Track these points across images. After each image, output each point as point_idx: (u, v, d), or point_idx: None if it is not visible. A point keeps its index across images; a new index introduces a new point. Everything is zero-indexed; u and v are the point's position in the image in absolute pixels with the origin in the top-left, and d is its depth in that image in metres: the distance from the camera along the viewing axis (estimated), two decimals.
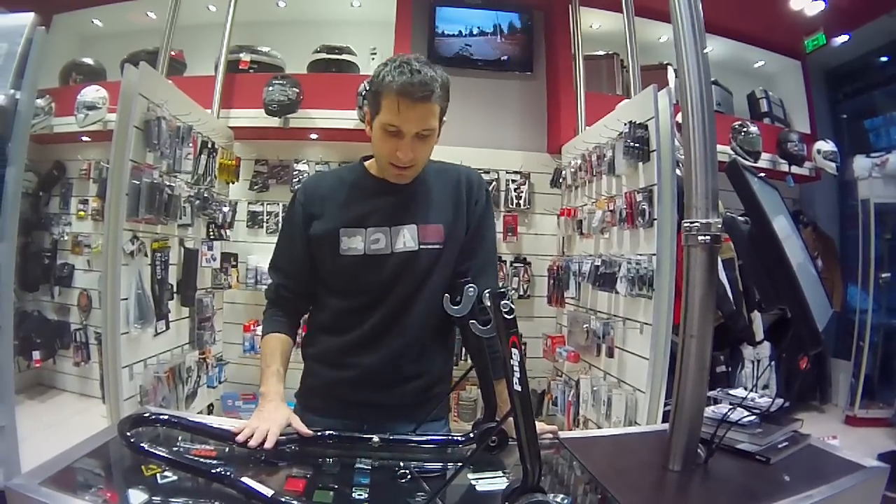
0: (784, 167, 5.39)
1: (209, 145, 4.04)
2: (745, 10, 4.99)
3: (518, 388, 1.13)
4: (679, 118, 1.99)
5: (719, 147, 3.84)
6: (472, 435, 1.53)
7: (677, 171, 3.23)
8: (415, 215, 1.66)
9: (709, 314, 1.46)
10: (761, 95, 5.83)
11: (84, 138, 4.99)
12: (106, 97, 4.54)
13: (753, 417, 1.59)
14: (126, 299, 3.09)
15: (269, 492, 1.16)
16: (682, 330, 1.47)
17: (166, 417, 1.55)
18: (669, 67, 5.11)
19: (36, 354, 4.94)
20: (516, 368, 1.13)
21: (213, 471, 1.25)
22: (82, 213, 5.22)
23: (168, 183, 3.43)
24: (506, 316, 1.15)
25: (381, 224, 1.64)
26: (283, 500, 1.15)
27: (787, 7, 5.09)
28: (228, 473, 1.22)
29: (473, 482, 1.35)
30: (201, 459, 1.36)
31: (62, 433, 4.00)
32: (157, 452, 1.32)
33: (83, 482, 1.28)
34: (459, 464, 1.40)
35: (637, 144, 3.42)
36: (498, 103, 5.31)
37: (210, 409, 4.31)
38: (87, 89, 4.61)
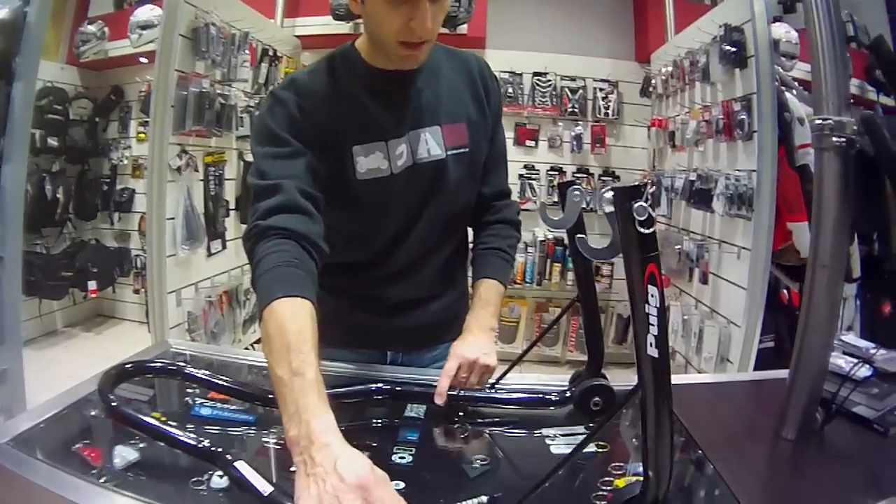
0: (872, 95, 4.88)
1: (270, 53, 3.84)
2: None
3: (655, 352, 0.74)
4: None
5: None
6: (568, 393, 1.19)
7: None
8: (435, 114, 1.30)
9: (844, 239, 1.12)
10: (847, 19, 5.29)
11: (142, 59, 4.78)
12: (161, 15, 4.36)
13: (871, 374, 1.24)
14: (173, 219, 2.89)
15: (267, 488, 0.82)
16: (812, 259, 1.13)
17: (159, 366, 1.24)
18: None
19: (92, 284, 4.83)
20: (653, 320, 0.73)
21: (200, 446, 0.93)
22: (142, 135, 5.03)
23: (220, 91, 3.21)
24: (640, 229, 0.72)
25: (400, 132, 1.27)
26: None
27: None
28: (221, 451, 0.91)
29: (549, 441, 1.08)
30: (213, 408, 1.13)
31: None
32: (133, 417, 1.01)
33: (59, 440, 1.03)
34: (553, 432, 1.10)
35: (734, 48, 3.08)
36: (582, 6, 4.89)
37: None
38: (141, 9, 4.47)
